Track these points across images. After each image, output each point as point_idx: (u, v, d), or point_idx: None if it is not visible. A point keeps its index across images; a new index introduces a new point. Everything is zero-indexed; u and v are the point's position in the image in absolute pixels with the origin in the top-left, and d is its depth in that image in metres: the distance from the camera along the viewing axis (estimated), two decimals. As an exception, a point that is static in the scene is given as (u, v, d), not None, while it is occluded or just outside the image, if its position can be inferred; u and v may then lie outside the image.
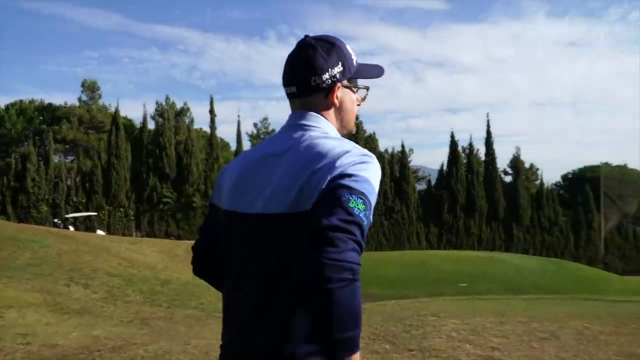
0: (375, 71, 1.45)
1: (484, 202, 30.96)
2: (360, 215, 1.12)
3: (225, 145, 36.39)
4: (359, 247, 1.10)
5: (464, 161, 31.89)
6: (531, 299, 7.93)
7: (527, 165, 37.15)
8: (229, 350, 1.33)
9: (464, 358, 4.35)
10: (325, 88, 1.34)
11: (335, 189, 1.14)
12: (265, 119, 42.02)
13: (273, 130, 41.98)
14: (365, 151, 1.25)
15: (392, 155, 33.22)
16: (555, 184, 42.38)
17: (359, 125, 32.65)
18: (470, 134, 54.43)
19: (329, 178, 1.16)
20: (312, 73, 1.33)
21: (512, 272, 15.85)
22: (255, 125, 41.48)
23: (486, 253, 21.76)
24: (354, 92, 1.41)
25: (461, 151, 32.49)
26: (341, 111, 1.40)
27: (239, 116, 35.52)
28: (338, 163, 1.18)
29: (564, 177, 44.30)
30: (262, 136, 40.80)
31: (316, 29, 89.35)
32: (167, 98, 34.13)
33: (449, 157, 31.58)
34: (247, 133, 39.26)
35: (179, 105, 34.95)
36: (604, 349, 4.55)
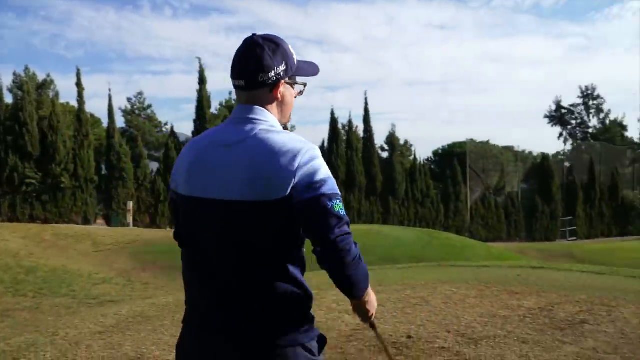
0: (312, 70, 1.65)
1: (363, 178, 32.17)
2: (342, 211, 1.43)
3: (97, 121, 33.94)
4: (351, 233, 1.44)
5: (344, 138, 32.79)
6: (406, 268, 8.39)
7: (402, 141, 39.15)
8: (201, 327, 1.50)
9: (343, 328, 4.46)
10: (270, 84, 1.52)
11: (319, 201, 1.39)
12: (140, 93, 39.79)
13: (150, 106, 39.95)
14: (309, 146, 1.46)
15: (274, 132, 33.20)
16: (427, 159, 45.21)
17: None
18: (350, 111, 56.23)
19: (296, 178, 1.39)
20: (260, 70, 1.50)
21: (389, 244, 16.68)
22: (129, 100, 39.14)
23: (365, 226, 22.70)
24: (292, 87, 1.60)
25: (341, 128, 33.35)
26: (282, 104, 1.58)
27: (110, 90, 33.31)
28: (300, 166, 1.40)
29: (435, 153, 47.37)
30: (137, 112, 38.70)
31: (193, 0, 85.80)
32: (27, 69, 30.88)
33: (329, 134, 32.27)
34: (120, 108, 37.00)
35: (41, 77, 31.90)
36: (469, 311, 4.92)
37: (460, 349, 3.85)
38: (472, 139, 43.65)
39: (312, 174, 1.41)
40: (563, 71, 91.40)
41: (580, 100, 59.49)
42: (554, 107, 60.12)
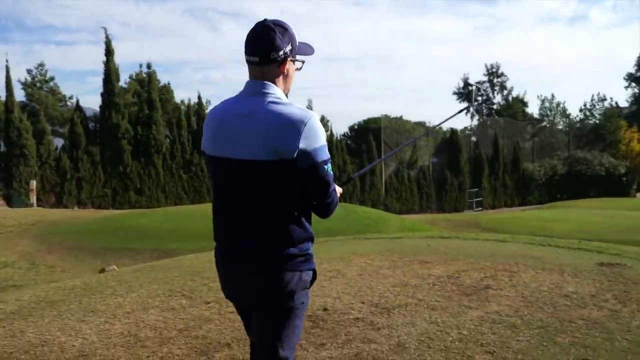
0: (309, 50, 2.03)
1: (281, 153, 32.11)
2: (331, 171, 1.91)
3: (-7, 94, 31.24)
4: (335, 189, 1.98)
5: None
6: (322, 242, 8.49)
7: (319, 117, 39.15)
8: (226, 260, 2.03)
9: (260, 304, 4.44)
10: (279, 61, 1.91)
11: (318, 167, 1.85)
12: (42, 64, 36.97)
13: (52, 78, 37.36)
14: (310, 114, 1.85)
15: (188, 107, 32.20)
16: (344, 135, 45.89)
17: (151, 75, 30.78)
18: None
19: (303, 145, 1.81)
20: (272, 50, 1.87)
21: (312, 219, 16.83)
22: (29, 72, 36.33)
23: (284, 201, 22.70)
24: (294, 64, 1.99)
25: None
26: (287, 77, 1.97)
27: (7, 61, 30.58)
28: (304, 135, 1.81)
29: (351, 128, 48.09)
30: (38, 84, 35.98)
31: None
32: None
33: (246, 109, 31.76)
34: (19, 81, 34.35)
35: None
36: (382, 282, 5.06)
37: (374, 318, 3.96)
38: (386, 115, 44.72)
39: (313, 141, 1.83)
40: (471, 49, 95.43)
41: (485, 78, 62.60)
42: (461, 84, 62.83)
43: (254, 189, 1.88)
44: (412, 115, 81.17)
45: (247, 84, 1.94)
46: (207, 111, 33.91)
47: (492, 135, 43.95)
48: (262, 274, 1.90)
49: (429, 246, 6.94)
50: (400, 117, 49.47)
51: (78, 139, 26.63)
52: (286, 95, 1.97)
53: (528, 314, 3.99)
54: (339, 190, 2.11)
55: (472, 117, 59.55)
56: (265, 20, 1.90)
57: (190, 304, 4.51)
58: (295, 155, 1.81)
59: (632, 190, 40.56)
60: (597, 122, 54.43)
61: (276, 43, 1.87)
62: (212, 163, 1.99)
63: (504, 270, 5.36)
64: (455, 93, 63.25)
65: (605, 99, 56.36)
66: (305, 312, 2.05)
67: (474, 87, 56.17)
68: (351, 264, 5.94)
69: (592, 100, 59.14)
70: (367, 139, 37.82)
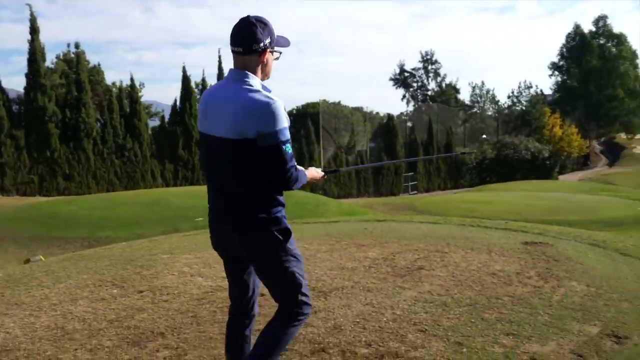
0: (286, 42, 2.39)
1: (218, 138, 31.50)
2: (290, 151, 2.20)
3: None
4: (294, 165, 2.25)
5: (198, 97, 31.62)
6: (261, 227, 8.44)
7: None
8: (217, 221, 2.44)
9: (195, 291, 4.37)
10: (259, 52, 2.26)
11: (274, 146, 2.16)
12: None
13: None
14: (271, 102, 2.16)
15: (120, 89, 30.88)
16: (282, 119, 45.56)
17: (80, 55, 29.29)
18: (203, 69, 54.31)
19: (262, 128, 2.14)
20: (253, 42, 2.23)
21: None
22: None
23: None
24: (272, 54, 2.33)
25: (194, 87, 32.10)
26: (265, 66, 2.32)
27: None
28: (264, 119, 2.14)
29: (290, 113, 47.69)
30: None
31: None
32: None
33: (181, 93, 30.82)
34: None
35: None
36: (320, 266, 5.10)
37: (312, 302, 3.98)
38: (324, 100, 44.88)
39: (271, 124, 2.14)
40: (406, 37, 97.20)
41: (420, 65, 63.98)
42: (398, 71, 63.96)
43: (227, 162, 2.26)
44: (350, 100, 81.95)
45: (230, 72, 2.31)
46: (140, 94, 32.77)
47: (427, 120, 45.07)
48: (242, 235, 2.33)
49: (366, 230, 7.05)
50: (339, 103, 49.81)
51: (1, 123, 25.02)
52: (267, 78, 2.34)
53: (458, 292, 4.15)
54: (315, 174, 2.57)
55: (407, 102, 60.86)
56: (248, 16, 2.25)
57: (121, 294, 4.37)
58: (255, 135, 2.15)
59: (555, 172, 42.83)
60: (524, 108, 56.93)
61: (257, 36, 2.23)
62: (200, 138, 2.42)
63: (436, 251, 5.53)
64: (391, 79, 64.35)
65: (531, 87, 58.99)
66: (296, 265, 2.46)
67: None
68: (288, 248, 5.94)
69: (519, 87, 61.84)
70: (306, 124, 37.79)
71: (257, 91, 2.20)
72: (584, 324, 3.49)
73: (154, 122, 32.90)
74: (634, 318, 3.59)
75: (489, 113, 60.35)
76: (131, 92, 30.26)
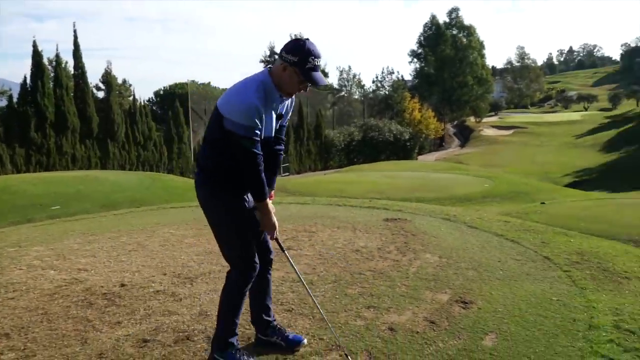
0: (319, 81, 2.60)
1: (76, 119, 29.02)
2: (245, 147, 2.53)
3: None
4: (257, 154, 2.58)
5: (51, 75, 28.89)
6: (124, 214, 7.99)
7: (119, 80, 36.52)
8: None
9: (46, 286, 4.02)
10: (283, 62, 2.57)
11: (233, 134, 2.53)
12: None
13: None
14: (244, 101, 2.51)
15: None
16: (148, 100, 43.48)
17: None
18: (57, 44, 49.65)
19: (227, 115, 2.54)
20: (283, 51, 2.59)
21: (108, 189, 15.63)
22: None
23: (80, 172, 20.74)
24: (299, 78, 2.57)
25: (47, 63, 29.28)
26: (280, 78, 2.60)
27: None
28: (232, 111, 2.54)
29: (156, 94, 45.80)
30: None
31: None
32: None
33: (32, 70, 27.89)
34: None
35: None
36: (186, 251, 4.97)
37: (176, 289, 3.87)
38: (193, 80, 43.48)
39: (233, 117, 2.51)
40: (276, 19, 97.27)
41: (290, 47, 64.37)
42: (268, 53, 63.84)
43: (208, 134, 2.69)
44: (220, 82, 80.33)
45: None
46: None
47: (297, 103, 45.66)
48: (199, 192, 2.76)
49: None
50: (208, 84, 48.56)
51: None
52: (280, 89, 2.62)
53: (324, 270, 4.28)
54: (271, 218, 2.74)
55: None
56: (307, 39, 2.56)
57: (-43, 294, 3.88)
58: (224, 122, 2.53)
59: (414, 153, 45.87)
60: (387, 93, 60.02)
61: (286, 50, 2.57)
62: None
63: (304, 231, 5.65)
64: (262, 61, 64.01)
65: (393, 72, 62.32)
66: None
67: None
68: (154, 235, 5.71)
69: (382, 73, 64.90)
70: (174, 105, 36.35)
71: (246, 89, 2.56)
72: (436, 293, 3.78)
73: (2, 103, 29.57)
74: (479, 285, 3.97)
75: (356, 97, 62.73)
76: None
